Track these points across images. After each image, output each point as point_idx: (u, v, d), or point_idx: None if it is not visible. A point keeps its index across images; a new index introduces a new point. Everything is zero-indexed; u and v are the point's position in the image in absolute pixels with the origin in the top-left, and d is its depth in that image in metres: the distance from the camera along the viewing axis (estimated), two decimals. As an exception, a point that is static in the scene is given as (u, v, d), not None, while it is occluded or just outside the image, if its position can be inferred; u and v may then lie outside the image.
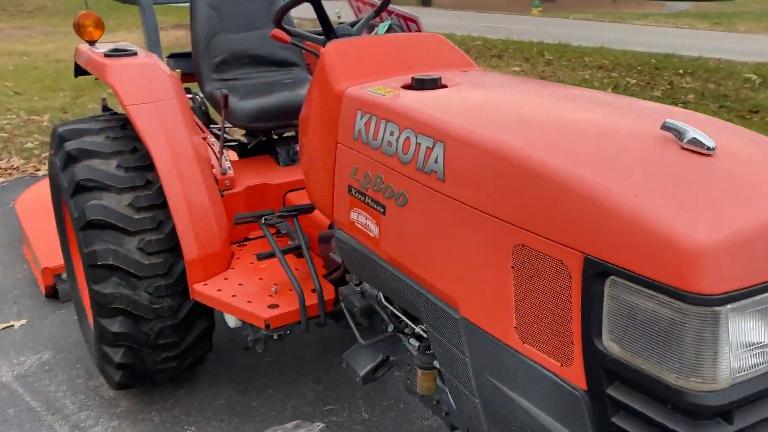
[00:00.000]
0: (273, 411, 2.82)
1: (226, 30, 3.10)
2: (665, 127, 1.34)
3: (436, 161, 1.52)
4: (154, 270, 2.52)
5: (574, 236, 1.20)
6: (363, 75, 1.98)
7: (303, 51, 3.16)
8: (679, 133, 1.31)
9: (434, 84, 1.84)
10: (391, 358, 2.20)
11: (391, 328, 2.02)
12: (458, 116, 1.56)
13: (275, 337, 2.38)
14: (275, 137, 3.03)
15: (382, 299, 1.99)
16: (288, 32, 2.48)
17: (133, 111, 2.53)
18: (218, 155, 2.72)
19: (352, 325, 2.27)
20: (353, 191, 1.87)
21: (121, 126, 2.75)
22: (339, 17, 3.64)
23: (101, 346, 2.65)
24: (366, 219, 1.83)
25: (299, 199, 2.81)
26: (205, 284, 2.50)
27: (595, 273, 1.16)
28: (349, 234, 1.94)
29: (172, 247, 2.56)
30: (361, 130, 1.81)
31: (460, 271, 1.48)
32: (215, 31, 3.08)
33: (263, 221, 2.44)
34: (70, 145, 2.62)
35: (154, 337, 2.60)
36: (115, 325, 2.54)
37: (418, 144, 1.58)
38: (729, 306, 1.05)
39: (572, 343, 1.23)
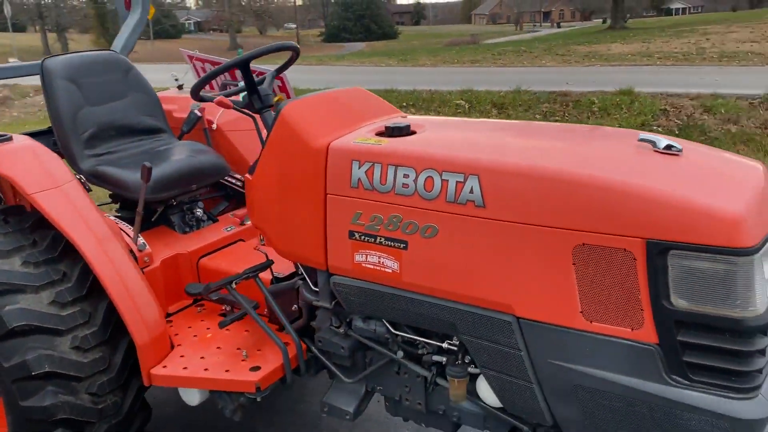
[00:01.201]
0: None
1: (88, 103, 2.91)
2: (641, 139, 1.80)
3: (471, 192, 1.78)
4: (95, 367, 2.31)
5: (633, 228, 1.56)
6: (331, 129, 2.14)
7: (166, 116, 3.14)
8: (653, 143, 1.77)
9: (407, 131, 2.09)
10: (378, 388, 2.36)
11: (400, 354, 2.18)
12: (478, 153, 1.84)
13: (258, 399, 2.36)
14: (173, 204, 2.93)
15: (390, 329, 2.14)
16: (204, 99, 2.49)
17: (40, 199, 2.29)
18: (135, 232, 2.58)
19: (332, 367, 2.37)
20: (357, 236, 2.01)
21: (4, 220, 2.45)
22: (177, 80, 3.61)
23: (33, 470, 2.32)
24: (379, 258, 1.99)
25: (213, 264, 2.78)
26: (164, 366, 2.35)
27: (658, 251, 1.54)
28: (353, 276, 2.07)
29: (107, 338, 2.37)
30: (362, 178, 1.98)
31: (514, 279, 1.75)
32: (78, 105, 2.87)
33: (233, 285, 2.40)
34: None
35: (98, 441, 2.36)
36: (57, 441, 2.26)
37: (444, 181, 1.82)
38: (760, 253, 1.51)
39: (641, 309, 1.60)
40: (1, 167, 2.30)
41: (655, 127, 9.89)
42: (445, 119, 2.38)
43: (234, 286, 2.42)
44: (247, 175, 2.33)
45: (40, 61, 2.90)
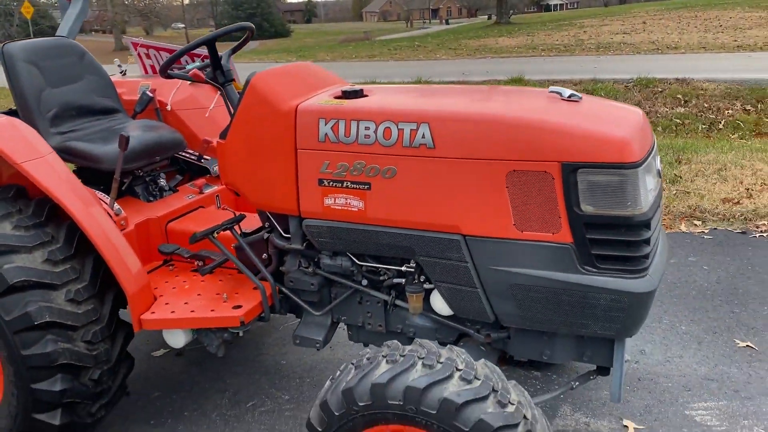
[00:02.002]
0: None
1: (49, 85, 3.10)
2: (551, 91, 2.30)
3: (423, 137, 2.21)
4: (88, 317, 2.57)
5: (551, 154, 2.05)
6: (295, 95, 2.51)
7: (119, 98, 3.38)
8: (560, 93, 2.28)
9: (361, 94, 2.50)
10: (342, 318, 2.75)
11: (365, 282, 2.58)
12: (425, 105, 2.28)
13: (240, 334, 2.70)
14: (139, 175, 3.17)
15: (355, 261, 2.54)
16: (172, 77, 2.80)
17: (29, 168, 2.51)
18: (112, 198, 2.83)
19: (302, 303, 2.74)
20: (326, 182, 2.40)
21: None
22: (120, 66, 3.84)
23: (32, 418, 2.55)
24: (346, 199, 2.38)
25: (181, 227, 3.08)
26: (152, 312, 2.64)
27: (570, 170, 2.04)
28: (323, 218, 2.45)
29: (97, 292, 2.63)
30: (328, 134, 2.37)
31: (460, 204, 2.20)
32: (40, 87, 3.05)
33: (214, 236, 2.71)
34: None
35: (92, 386, 2.62)
36: (56, 385, 2.51)
37: (400, 129, 2.24)
38: (642, 166, 2.03)
39: (559, 217, 2.09)
40: None
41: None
42: (388, 86, 2.79)
43: (216, 236, 2.74)
44: (218, 140, 2.65)
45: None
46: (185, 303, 2.70)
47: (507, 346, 2.49)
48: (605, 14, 36.88)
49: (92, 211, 2.61)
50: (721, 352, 3.38)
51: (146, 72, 3.88)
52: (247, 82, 2.54)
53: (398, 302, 2.57)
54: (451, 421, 1.86)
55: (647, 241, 2.09)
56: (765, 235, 4.93)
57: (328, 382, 2.14)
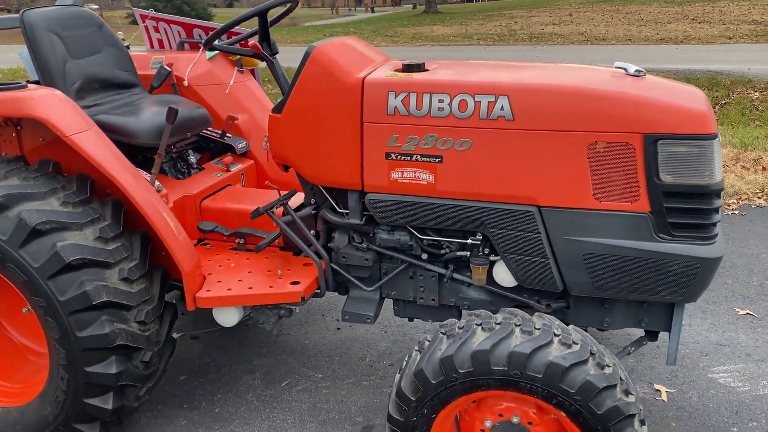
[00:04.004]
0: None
1: (72, 56, 2.93)
2: (617, 66, 2.38)
3: (502, 109, 2.24)
4: (141, 297, 2.48)
5: (633, 126, 2.13)
6: (356, 68, 2.49)
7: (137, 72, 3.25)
8: (625, 68, 2.36)
9: (422, 67, 2.51)
10: (392, 293, 2.76)
11: (424, 256, 2.60)
12: (501, 78, 2.31)
13: (297, 310, 2.66)
14: (169, 152, 3.05)
15: (417, 235, 2.55)
16: (219, 49, 2.72)
17: (78, 140, 2.38)
18: (154, 174, 2.72)
19: (353, 279, 2.74)
20: (394, 156, 2.40)
21: (24, 166, 2.50)
22: (124, 40, 3.67)
23: (83, 403, 2.44)
24: (415, 173, 2.39)
25: (215, 204, 3.00)
26: (208, 290, 2.57)
27: (651, 141, 2.12)
28: (389, 192, 2.45)
29: (147, 271, 2.54)
30: (398, 106, 2.36)
31: (537, 176, 2.25)
32: (64, 57, 2.89)
33: (272, 212, 2.65)
34: (-9, 194, 2.31)
35: (143, 368, 2.53)
36: (111, 367, 2.41)
37: (477, 102, 2.27)
38: (717, 138, 2.14)
39: (638, 187, 2.17)
40: (37, 111, 2.35)
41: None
42: (445, 61, 2.77)
43: (274, 211, 2.68)
44: (272, 114, 2.60)
45: (19, 15, 2.89)
46: (239, 280, 2.64)
47: (566, 316, 2.57)
48: (531, 6, 37.81)
49: (143, 187, 2.51)
50: (725, 320, 3.60)
51: (152, 46, 3.72)
52: (307, 54, 2.50)
53: (457, 275, 2.61)
54: (558, 384, 1.92)
55: (717, 210, 2.21)
56: (736, 212, 5.26)
57: (416, 354, 2.15)
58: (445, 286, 2.67)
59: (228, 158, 3.25)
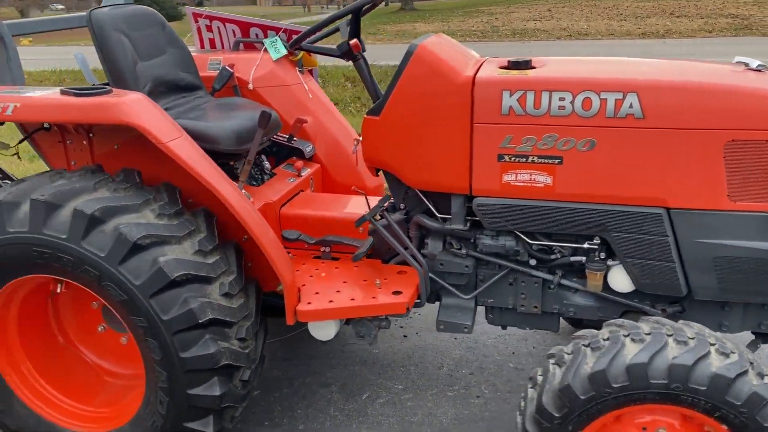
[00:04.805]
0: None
1: (141, 58, 2.76)
2: (737, 60, 2.30)
3: (630, 107, 2.14)
4: (241, 313, 2.33)
5: None
6: (461, 66, 2.37)
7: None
8: (747, 63, 2.28)
9: (529, 65, 2.39)
10: (489, 300, 2.64)
11: (532, 262, 2.49)
12: (627, 74, 2.21)
13: (396, 321, 2.53)
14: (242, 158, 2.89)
15: (527, 240, 2.43)
16: (309, 50, 2.59)
17: (174, 147, 2.23)
18: (242, 181, 2.57)
19: (449, 287, 2.62)
20: (507, 158, 2.28)
21: (111, 177, 2.34)
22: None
23: (183, 428, 2.29)
24: (530, 175, 2.28)
25: (293, 211, 2.85)
26: (309, 303, 2.43)
27: None
28: (500, 195, 2.33)
29: (245, 284, 2.40)
30: (513, 106, 2.25)
31: (667, 176, 2.15)
32: (134, 58, 2.72)
33: (378, 217, 2.51)
34: (86, 206, 2.14)
35: (241, 388, 2.39)
36: (214, 388, 2.26)
37: (603, 99, 2.16)
38: None
39: None
40: (131, 117, 2.19)
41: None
42: (551, 57, 2.65)
43: (377, 216, 2.55)
44: (367, 116, 2.47)
45: (86, 13, 2.71)
46: (337, 291, 2.50)
47: (679, 320, 2.48)
48: (509, 2, 37.93)
49: (240, 196, 2.36)
50: None
51: (202, 46, 3.55)
52: (410, 53, 2.37)
53: (564, 281, 2.50)
54: (723, 397, 1.83)
55: None
56: None
57: (554, 368, 2.04)
58: (549, 292, 2.56)
59: (299, 163, 3.10)
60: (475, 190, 2.37)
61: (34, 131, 2.59)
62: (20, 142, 2.63)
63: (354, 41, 2.61)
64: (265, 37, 3.40)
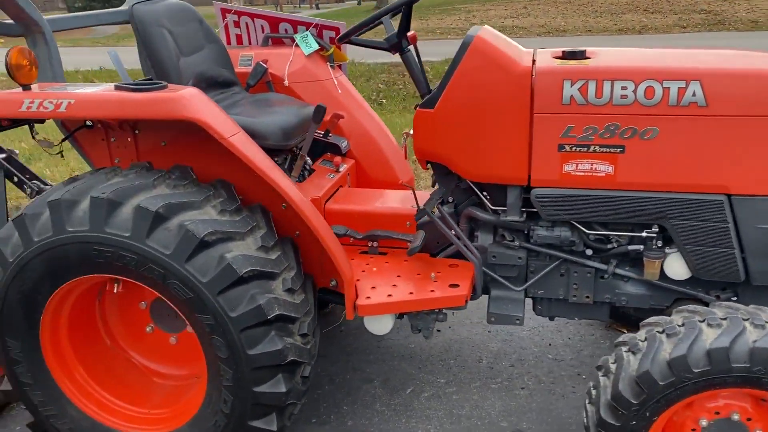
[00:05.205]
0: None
1: (182, 53, 2.71)
2: None
3: (693, 95, 2.16)
4: (303, 308, 2.31)
5: None
6: (518, 57, 2.37)
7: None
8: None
9: (584, 54, 2.40)
10: (539, 292, 2.65)
11: (589, 252, 2.50)
12: (688, 63, 2.23)
13: (453, 313, 2.52)
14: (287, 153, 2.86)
15: (583, 230, 2.44)
16: (358, 44, 2.59)
17: (236, 142, 2.19)
18: (294, 177, 2.55)
19: (501, 279, 2.62)
20: (567, 147, 2.29)
21: (167, 174, 2.30)
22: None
23: (247, 426, 2.26)
24: (591, 165, 2.29)
25: (337, 207, 2.83)
26: (368, 297, 2.41)
27: None
28: (560, 186, 2.34)
29: (304, 279, 2.37)
30: (574, 95, 2.25)
31: (730, 163, 2.18)
32: (177, 54, 2.67)
33: (434, 210, 2.50)
34: (149, 203, 2.10)
35: (302, 384, 2.36)
36: (280, 385, 2.23)
37: (666, 88, 2.18)
38: None
39: None
40: (191, 112, 2.14)
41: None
42: (611, 48, 2.62)
43: (435, 209, 2.53)
44: (421, 109, 2.45)
45: (128, 7, 2.65)
46: (393, 285, 2.49)
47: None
48: (480, 0, 38.15)
49: (298, 192, 2.33)
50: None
51: (229, 42, 3.50)
52: (466, 44, 2.37)
53: (619, 270, 2.51)
54: None
55: None
56: None
57: (628, 355, 2.04)
58: (601, 282, 2.58)
59: (338, 158, 3.07)
60: (533, 181, 2.38)
61: (76, 129, 2.53)
62: (64, 140, 2.56)
63: (412, 33, 2.59)
64: (295, 32, 3.37)
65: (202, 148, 2.36)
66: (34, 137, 2.47)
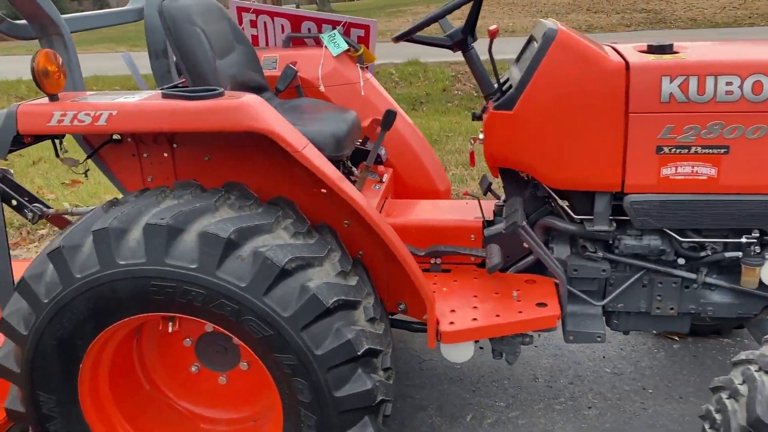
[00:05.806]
0: None
1: (216, 55, 2.40)
2: None
3: (804, 89, 2.01)
4: (385, 339, 2.04)
5: None
6: (603, 52, 2.17)
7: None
8: None
9: (672, 49, 2.23)
10: (618, 305, 2.46)
11: (682, 261, 2.31)
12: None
13: (539, 336, 2.30)
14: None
15: (677, 237, 2.26)
16: (420, 42, 2.36)
17: (308, 154, 1.91)
18: (359, 189, 2.27)
19: (581, 294, 2.41)
20: (667, 149, 2.10)
21: (226, 194, 2.00)
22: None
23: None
24: (692, 167, 2.11)
25: (391, 220, 2.57)
26: (451, 323, 2.16)
27: None
28: (657, 191, 2.15)
29: (381, 306, 2.10)
30: (674, 93, 2.07)
31: None
32: (213, 55, 2.35)
33: (522, 223, 2.25)
34: (217, 229, 1.80)
35: (381, 424, 2.09)
36: (368, 429, 1.96)
37: (774, 83, 2.02)
38: None
39: None
40: (260, 122, 1.85)
41: (455, 92, 10.84)
42: (689, 42, 2.46)
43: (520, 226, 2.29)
44: (496, 111, 2.23)
45: (140, 6, 2.33)
46: (474, 308, 2.25)
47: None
48: (428, 2, 38.27)
49: (373, 208, 2.07)
50: None
51: (245, 43, 3.19)
52: (549, 39, 2.16)
53: (709, 279, 2.34)
54: None
55: None
56: None
57: (761, 374, 1.86)
58: (685, 292, 2.40)
59: (381, 168, 2.82)
60: (627, 187, 2.18)
61: (103, 143, 2.20)
62: (89, 156, 2.22)
63: (494, 27, 2.36)
64: (319, 31, 3.09)
65: (250, 163, 2.09)
66: (58, 155, 2.13)
